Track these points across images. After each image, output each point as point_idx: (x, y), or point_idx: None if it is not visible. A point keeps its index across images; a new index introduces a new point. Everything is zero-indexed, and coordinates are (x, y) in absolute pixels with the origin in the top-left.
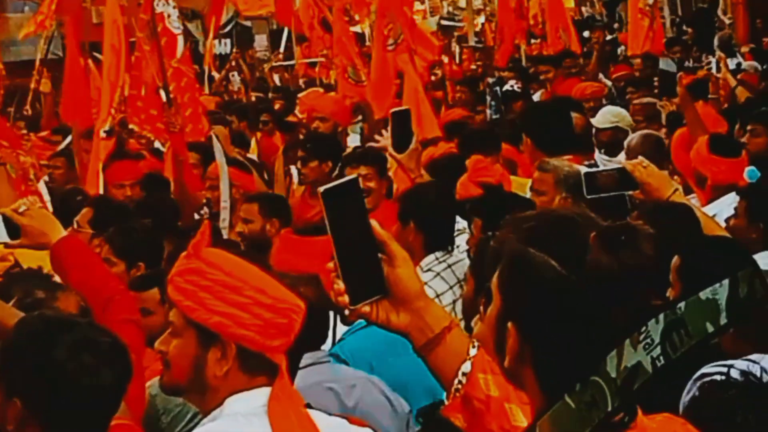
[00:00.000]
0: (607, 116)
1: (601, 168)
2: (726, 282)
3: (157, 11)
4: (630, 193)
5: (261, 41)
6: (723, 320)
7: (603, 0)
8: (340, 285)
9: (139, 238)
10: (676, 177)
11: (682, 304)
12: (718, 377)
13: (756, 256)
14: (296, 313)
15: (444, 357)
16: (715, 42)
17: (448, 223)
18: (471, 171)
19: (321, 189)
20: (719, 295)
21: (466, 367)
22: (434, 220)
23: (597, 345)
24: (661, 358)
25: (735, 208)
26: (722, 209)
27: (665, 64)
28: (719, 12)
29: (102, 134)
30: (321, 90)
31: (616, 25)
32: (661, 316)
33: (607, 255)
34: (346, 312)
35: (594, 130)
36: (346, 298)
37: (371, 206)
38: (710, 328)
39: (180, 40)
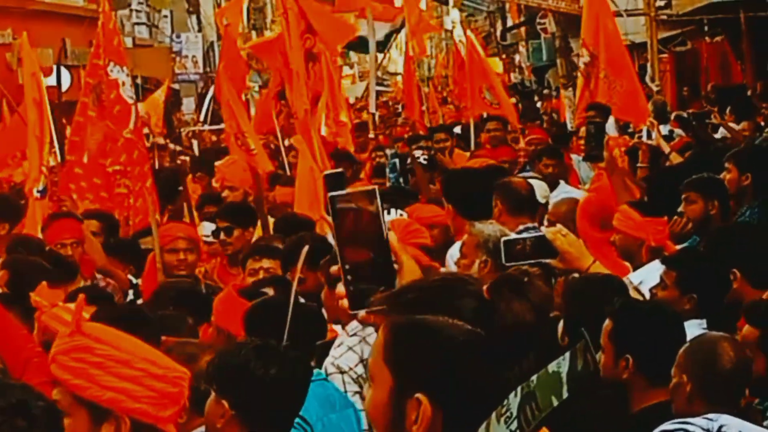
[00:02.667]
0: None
1: (520, 235)
2: (567, 355)
3: (111, 77)
4: (548, 261)
5: (189, 104)
6: (565, 393)
7: (532, 66)
8: (341, 290)
9: None
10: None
11: (534, 377)
12: None
13: (686, 324)
14: (185, 380)
15: None
16: (649, 106)
17: None
18: (402, 233)
19: (331, 194)
20: (562, 369)
21: None
22: None
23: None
24: None
25: (661, 277)
26: (648, 277)
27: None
28: (647, 79)
29: (36, 194)
30: (236, 157)
31: (546, 92)
32: (519, 389)
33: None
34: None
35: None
36: (345, 303)
37: None
38: (555, 402)
39: (133, 110)
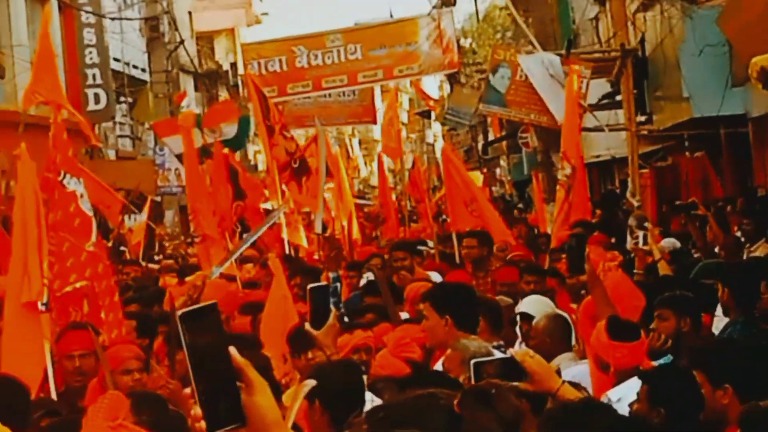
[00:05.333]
0: (542, 306)
1: (489, 357)
2: None
3: (68, 189)
4: (517, 384)
5: (170, 217)
6: None
7: (513, 180)
8: (197, 411)
9: None
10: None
11: None
12: None
13: None
14: None
15: None
16: (631, 221)
17: (355, 404)
18: (393, 346)
19: (179, 312)
20: None
21: None
22: (341, 400)
23: None
24: None
25: (637, 393)
26: (627, 393)
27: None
28: (628, 194)
29: (41, 307)
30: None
31: (520, 205)
32: None
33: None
34: None
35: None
36: (203, 424)
37: None
38: None
39: (93, 222)
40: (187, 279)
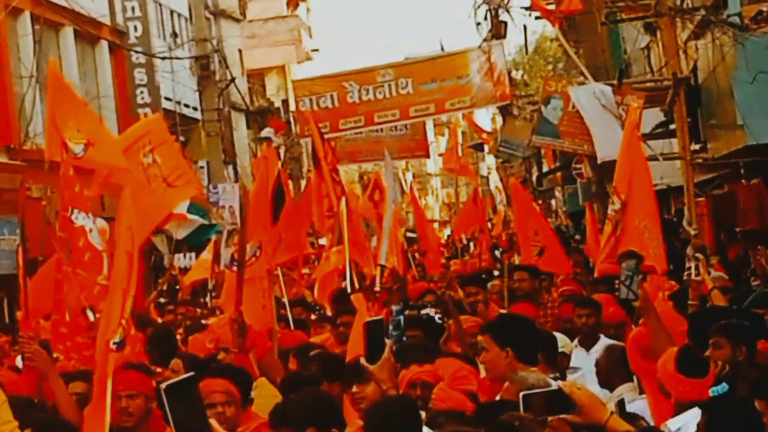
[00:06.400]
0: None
1: (537, 390)
2: None
3: (77, 225)
4: (564, 416)
5: (226, 255)
6: None
7: (568, 211)
8: None
9: None
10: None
11: None
12: None
13: None
14: None
15: None
16: (689, 250)
17: None
18: (451, 379)
19: (162, 385)
20: None
21: None
22: None
23: None
24: None
25: (698, 423)
26: (687, 423)
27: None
28: (684, 223)
29: (112, 345)
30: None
31: (577, 237)
32: None
33: None
34: None
35: None
36: None
37: None
38: None
39: (104, 256)
40: (210, 321)
